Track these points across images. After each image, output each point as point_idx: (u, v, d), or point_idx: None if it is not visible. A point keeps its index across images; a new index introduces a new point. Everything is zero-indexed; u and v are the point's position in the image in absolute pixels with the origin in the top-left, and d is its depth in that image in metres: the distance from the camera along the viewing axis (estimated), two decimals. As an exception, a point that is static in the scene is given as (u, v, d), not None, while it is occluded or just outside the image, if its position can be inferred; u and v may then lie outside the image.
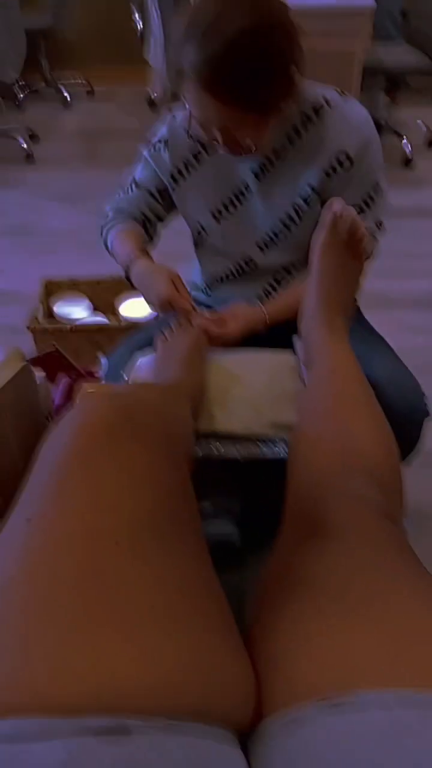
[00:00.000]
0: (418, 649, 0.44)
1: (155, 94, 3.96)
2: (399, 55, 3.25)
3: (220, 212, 1.14)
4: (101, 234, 1.21)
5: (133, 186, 1.19)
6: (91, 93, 4.47)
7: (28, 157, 3.46)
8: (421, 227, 2.74)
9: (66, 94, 4.25)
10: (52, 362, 1.58)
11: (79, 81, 4.42)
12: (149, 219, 1.20)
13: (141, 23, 3.73)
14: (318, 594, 0.53)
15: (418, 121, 3.60)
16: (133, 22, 3.77)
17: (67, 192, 3.10)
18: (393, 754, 0.38)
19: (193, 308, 1.07)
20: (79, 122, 4.08)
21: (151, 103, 4.16)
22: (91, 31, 4.35)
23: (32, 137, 3.67)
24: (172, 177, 1.13)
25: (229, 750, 0.41)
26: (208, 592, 0.51)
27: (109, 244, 1.19)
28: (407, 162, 3.26)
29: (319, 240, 0.91)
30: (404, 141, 3.28)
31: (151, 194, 1.18)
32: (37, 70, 4.22)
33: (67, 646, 0.39)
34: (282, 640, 0.50)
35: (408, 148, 3.26)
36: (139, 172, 1.18)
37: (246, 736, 0.45)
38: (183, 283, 1.07)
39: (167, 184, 1.15)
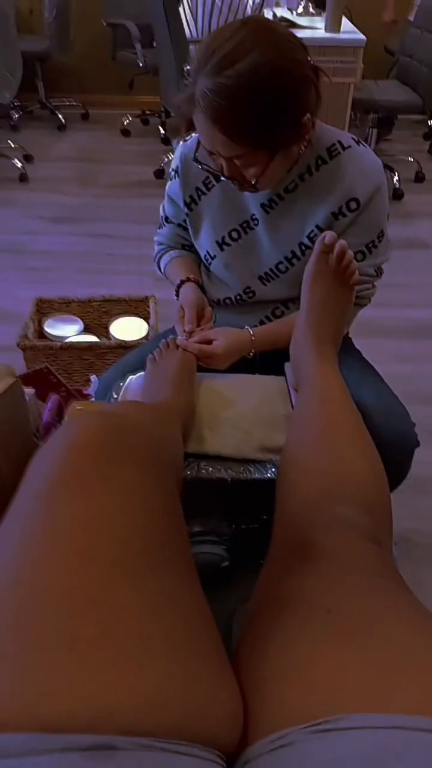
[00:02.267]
0: (405, 675, 0.44)
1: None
2: (390, 92, 3.34)
3: (225, 241, 1.15)
4: (156, 264, 1.32)
5: (165, 221, 1.25)
6: (86, 117, 4.54)
7: (22, 177, 3.49)
8: (411, 259, 2.79)
9: (61, 116, 4.32)
10: (42, 380, 1.58)
11: (75, 104, 4.49)
12: (190, 246, 1.25)
13: (143, 59, 3.80)
14: (306, 619, 0.53)
15: (409, 158, 3.70)
16: (134, 54, 3.84)
17: (60, 213, 3.13)
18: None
19: (188, 333, 1.09)
20: (74, 145, 4.14)
21: (125, 132, 4.27)
22: (88, 57, 4.44)
23: (27, 158, 3.71)
24: (186, 204, 1.15)
25: (214, 771, 0.41)
26: (196, 614, 0.50)
27: (163, 272, 1.30)
28: (398, 196, 3.33)
29: (310, 269, 0.92)
30: (395, 176, 3.36)
31: (181, 227, 1.22)
32: (33, 92, 4.30)
33: (55, 665, 0.39)
34: (270, 664, 0.50)
35: (398, 183, 3.34)
36: (167, 206, 1.23)
37: (232, 760, 0.45)
38: (192, 309, 1.12)
39: (185, 213, 1.17)
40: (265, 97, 0.85)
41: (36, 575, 0.44)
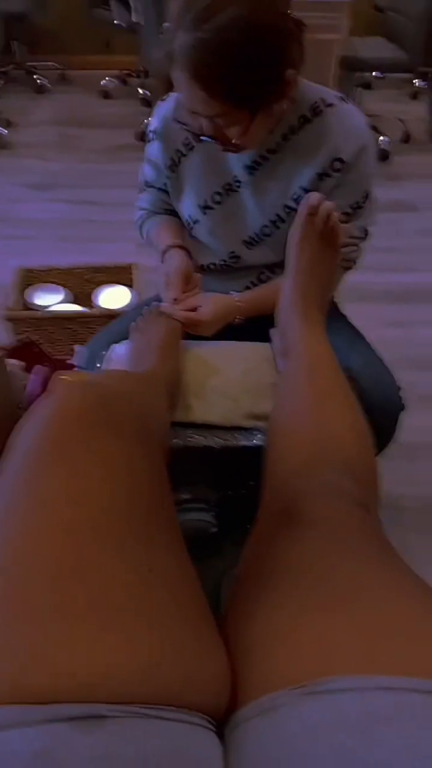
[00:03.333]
0: (392, 640, 0.45)
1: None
2: (376, 49, 3.26)
3: (207, 204, 1.12)
4: (138, 230, 1.27)
5: (145, 186, 1.21)
6: (66, 80, 4.42)
7: (3, 143, 3.41)
8: (398, 221, 2.77)
9: (41, 80, 4.19)
10: (28, 353, 1.56)
11: (54, 66, 4.37)
12: (173, 211, 1.21)
13: (119, 16, 3.67)
14: (293, 584, 0.53)
15: (396, 118, 3.63)
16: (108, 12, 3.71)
17: (41, 180, 3.06)
18: (367, 741, 0.38)
19: (174, 300, 1.07)
20: (53, 108, 4.03)
21: (106, 95, 4.16)
22: (67, 18, 4.29)
23: (6, 123, 3.61)
24: (169, 168, 1.12)
25: (204, 736, 0.41)
26: (183, 582, 0.50)
27: (146, 239, 1.25)
28: (385, 157, 3.28)
29: (295, 232, 0.90)
30: (382, 137, 3.30)
31: (163, 191, 1.18)
32: (10, 55, 4.16)
33: (43, 636, 0.39)
34: (258, 629, 0.50)
35: (386, 144, 3.29)
36: (147, 171, 1.19)
37: (222, 724, 0.45)
38: (178, 276, 1.09)
39: (167, 176, 1.13)
40: (247, 51, 0.82)
41: (21, 547, 0.43)
